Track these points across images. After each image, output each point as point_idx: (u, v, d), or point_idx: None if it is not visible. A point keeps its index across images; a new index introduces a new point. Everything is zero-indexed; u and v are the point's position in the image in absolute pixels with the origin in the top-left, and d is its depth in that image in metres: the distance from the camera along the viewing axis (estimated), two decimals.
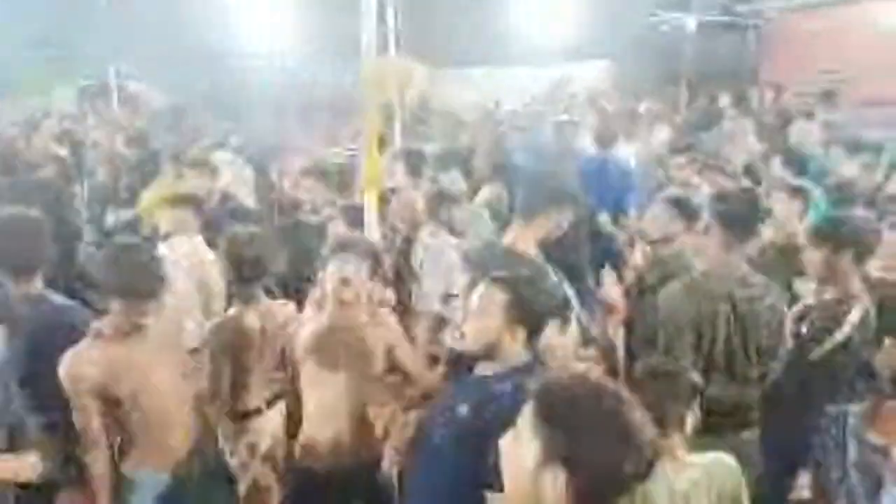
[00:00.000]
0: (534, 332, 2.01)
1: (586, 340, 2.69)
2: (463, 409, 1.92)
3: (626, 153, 6.02)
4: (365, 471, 2.54)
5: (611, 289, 4.74)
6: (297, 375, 2.59)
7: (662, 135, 7.32)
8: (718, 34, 11.52)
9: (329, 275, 2.48)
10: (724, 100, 9.62)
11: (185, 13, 10.26)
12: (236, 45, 10.87)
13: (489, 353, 1.98)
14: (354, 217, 3.43)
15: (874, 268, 2.94)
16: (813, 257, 2.72)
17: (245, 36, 11.01)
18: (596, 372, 2.48)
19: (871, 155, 5.46)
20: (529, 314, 1.97)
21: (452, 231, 3.69)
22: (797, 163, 4.95)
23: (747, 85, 10.17)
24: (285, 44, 10.75)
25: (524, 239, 2.64)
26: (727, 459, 1.97)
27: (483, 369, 2.01)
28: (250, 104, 9.05)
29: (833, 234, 2.68)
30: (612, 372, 3.07)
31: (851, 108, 7.77)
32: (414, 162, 4.57)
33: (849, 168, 5.13)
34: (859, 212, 3.44)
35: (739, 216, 2.52)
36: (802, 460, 2.82)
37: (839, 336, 2.57)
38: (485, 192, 4.94)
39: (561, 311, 2.37)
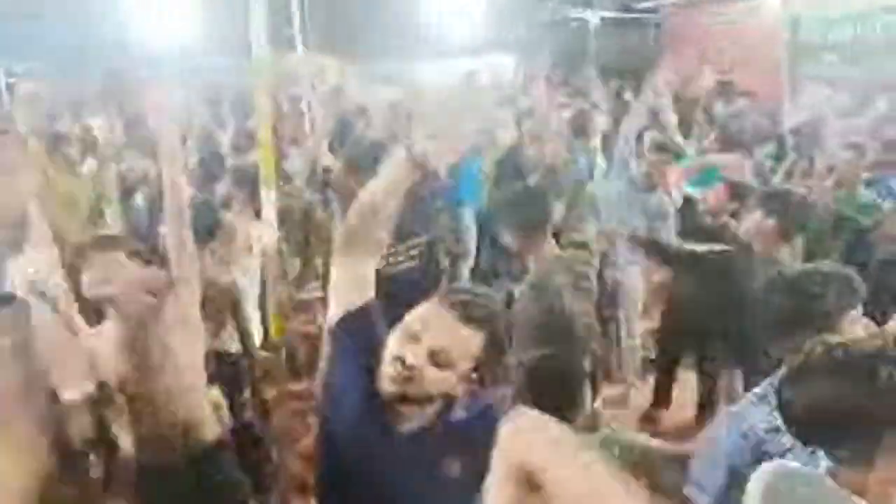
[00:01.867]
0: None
1: None
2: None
3: None
4: None
5: None
6: None
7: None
8: (621, 30, 11.92)
9: None
10: (628, 94, 9.98)
11: (80, 8, 9.73)
12: (135, 38, 10.35)
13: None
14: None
15: None
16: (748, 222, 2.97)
17: (144, 31, 10.49)
18: None
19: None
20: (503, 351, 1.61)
21: None
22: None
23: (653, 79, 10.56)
24: (185, 39, 10.33)
25: None
26: None
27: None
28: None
29: (767, 203, 2.95)
30: None
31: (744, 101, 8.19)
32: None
33: None
34: None
35: None
36: None
37: None
38: None
39: None
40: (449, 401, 1.59)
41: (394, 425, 1.58)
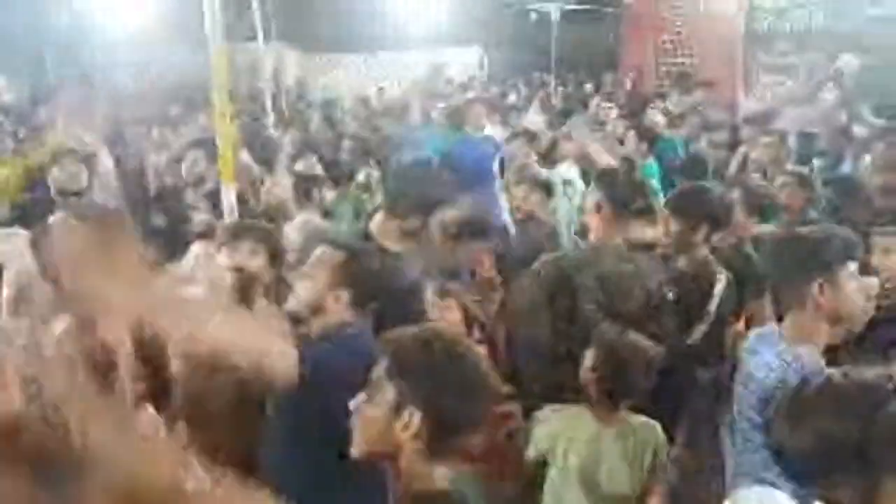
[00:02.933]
0: (359, 300, 1.99)
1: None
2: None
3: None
4: None
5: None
6: None
7: (539, 119, 7.58)
8: (582, 22, 12.02)
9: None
10: (589, 86, 10.13)
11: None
12: (88, 29, 10.10)
13: (314, 312, 1.97)
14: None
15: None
16: (671, 228, 2.81)
17: (97, 21, 10.24)
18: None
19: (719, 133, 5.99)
20: (357, 279, 1.97)
21: (326, 215, 3.74)
22: (648, 140, 5.31)
23: (610, 71, 10.71)
24: (141, 28, 10.11)
25: (385, 231, 2.59)
26: (652, 421, 2.16)
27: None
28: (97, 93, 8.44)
29: (687, 207, 2.81)
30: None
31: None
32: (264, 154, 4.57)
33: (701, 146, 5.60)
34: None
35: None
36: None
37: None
38: (360, 177, 4.95)
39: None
40: None
41: None
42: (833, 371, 1.29)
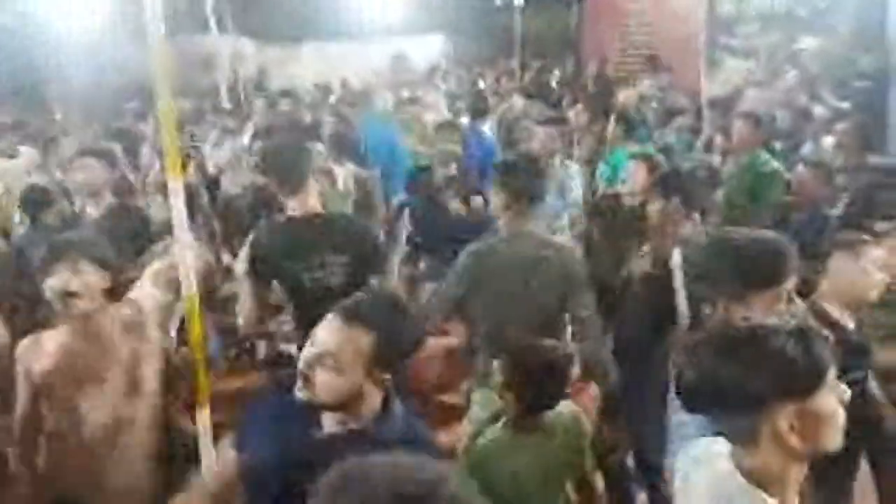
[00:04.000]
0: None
1: None
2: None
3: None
4: None
5: None
6: None
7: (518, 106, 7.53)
8: (545, 8, 11.96)
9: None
10: (556, 72, 10.09)
11: None
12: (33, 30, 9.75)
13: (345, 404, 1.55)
14: None
15: None
16: (655, 205, 2.94)
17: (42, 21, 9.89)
18: None
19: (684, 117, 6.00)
20: (393, 358, 1.56)
21: None
22: (628, 122, 5.28)
23: (573, 57, 10.69)
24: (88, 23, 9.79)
25: None
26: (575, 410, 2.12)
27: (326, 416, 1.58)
28: (35, 87, 8.15)
29: (667, 184, 2.93)
30: None
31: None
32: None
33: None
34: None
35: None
36: None
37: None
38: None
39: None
40: (385, 408, 1.58)
41: (313, 427, 1.57)
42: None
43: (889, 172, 4.30)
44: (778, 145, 5.23)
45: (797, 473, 1.25)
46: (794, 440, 1.20)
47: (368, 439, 1.50)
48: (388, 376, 1.55)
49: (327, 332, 1.52)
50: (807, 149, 5.24)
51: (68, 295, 2.02)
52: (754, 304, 1.80)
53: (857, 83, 5.84)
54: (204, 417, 2.40)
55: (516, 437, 2.04)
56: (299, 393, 1.51)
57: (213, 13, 5.91)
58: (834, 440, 1.23)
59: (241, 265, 2.68)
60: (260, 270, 2.63)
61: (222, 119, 5.70)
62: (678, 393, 1.33)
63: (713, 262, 1.96)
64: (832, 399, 1.22)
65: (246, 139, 5.54)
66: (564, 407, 2.08)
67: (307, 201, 2.66)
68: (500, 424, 2.08)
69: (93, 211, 3.53)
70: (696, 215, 3.03)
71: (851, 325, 2.29)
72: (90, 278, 2.06)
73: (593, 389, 2.67)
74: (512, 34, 10.78)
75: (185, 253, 2.39)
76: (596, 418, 2.59)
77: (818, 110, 5.68)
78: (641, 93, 7.43)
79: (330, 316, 1.55)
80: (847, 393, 1.25)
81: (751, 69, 7.52)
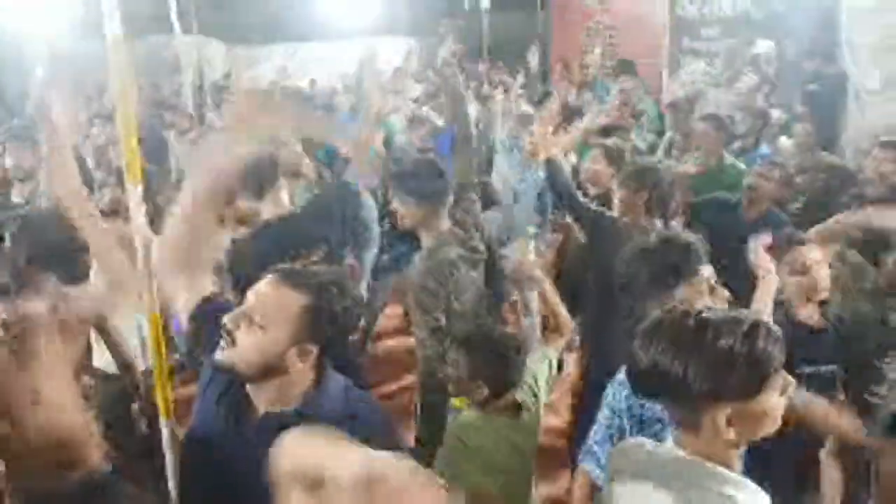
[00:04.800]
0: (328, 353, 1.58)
1: None
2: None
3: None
4: None
5: None
6: None
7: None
8: (512, 11, 12.05)
9: None
10: (521, 76, 10.15)
11: None
12: None
13: (266, 375, 1.51)
14: None
15: None
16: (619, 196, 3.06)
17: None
18: None
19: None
20: (327, 328, 1.52)
21: None
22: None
23: (541, 60, 10.77)
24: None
25: None
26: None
27: (257, 397, 1.55)
28: None
29: (636, 177, 3.03)
30: None
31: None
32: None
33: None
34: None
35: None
36: None
37: None
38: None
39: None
40: (317, 386, 1.55)
41: (248, 412, 1.55)
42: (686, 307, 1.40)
43: (842, 173, 4.44)
44: (736, 145, 5.36)
45: (736, 455, 1.32)
46: (731, 433, 1.25)
47: (302, 419, 1.43)
48: (314, 349, 1.51)
49: (259, 287, 1.52)
50: (764, 150, 5.38)
51: None
52: (677, 298, 1.88)
53: (811, 86, 6.00)
54: (165, 429, 2.39)
55: (486, 418, 2.13)
56: (220, 354, 1.48)
57: (178, 15, 5.85)
58: (771, 430, 1.29)
59: None
60: (237, 279, 2.63)
61: (184, 122, 5.65)
62: (629, 376, 1.39)
63: (631, 267, 2.05)
64: (773, 397, 1.26)
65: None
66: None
67: (279, 203, 2.67)
68: (470, 410, 2.18)
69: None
70: (658, 216, 3.11)
71: (816, 318, 2.39)
72: None
73: None
74: (480, 37, 10.85)
75: (145, 258, 2.37)
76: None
77: (775, 112, 5.84)
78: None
79: (267, 276, 1.54)
80: (792, 384, 1.30)
81: (710, 72, 7.68)
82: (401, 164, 3.19)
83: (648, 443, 1.45)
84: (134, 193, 2.44)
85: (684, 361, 1.23)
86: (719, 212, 3.72)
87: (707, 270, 1.96)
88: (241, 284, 2.54)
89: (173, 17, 5.67)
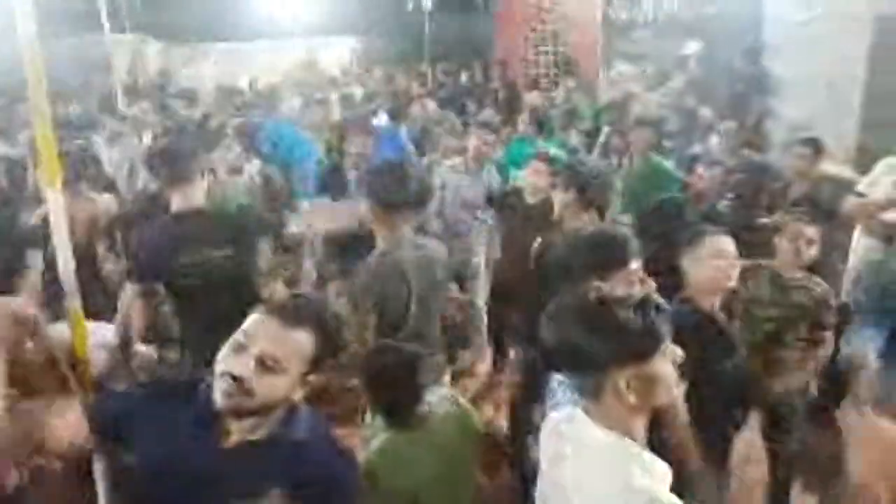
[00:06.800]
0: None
1: None
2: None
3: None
4: None
5: None
6: None
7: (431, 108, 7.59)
8: (455, 13, 12.15)
9: None
10: (464, 76, 10.27)
11: None
12: None
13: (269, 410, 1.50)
14: None
15: None
16: (557, 198, 3.07)
17: None
18: None
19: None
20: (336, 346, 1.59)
21: None
22: (539, 123, 5.47)
23: (482, 61, 10.89)
24: None
25: None
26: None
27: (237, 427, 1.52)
28: None
29: (571, 179, 3.02)
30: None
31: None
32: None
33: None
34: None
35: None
36: None
37: None
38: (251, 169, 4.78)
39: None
40: (290, 410, 1.55)
41: (218, 437, 1.51)
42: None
43: (768, 170, 4.63)
44: (668, 145, 5.53)
45: (639, 424, 1.44)
46: (631, 397, 1.38)
47: (275, 444, 1.49)
48: (312, 378, 1.53)
49: (265, 335, 1.47)
50: (696, 149, 5.56)
51: None
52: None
53: (737, 87, 6.22)
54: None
55: (400, 436, 2.07)
56: (225, 400, 1.43)
57: (107, 12, 5.69)
58: (666, 397, 1.44)
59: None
60: (143, 271, 2.57)
61: (116, 122, 5.50)
62: (540, 354, 1.50)
63: (568, 254, 2.12)
64: (666, 364, 1.42)
65: (147, 141, 5.40)
66: (445, 401, 2.18)
67: (191, 197, 2.63)
68: (382, 432, 2.10)
69: None
70: (593, 210, 3.18)
71: (722, 316, 2.47)
72: None
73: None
74: (422, 37, 10.90)
75: (68, 267, 2.29)
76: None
77: (704, 112, 6.04)
78: (548, 96, 7.69)
79: (259, 317, 1.50)
80: (678, 353, 1.44)
81: (642, 73, 7.90)
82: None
83: (562, 417, 1.56)
84: (53, 198, 2.37)
85: (588, 332, 1.39)
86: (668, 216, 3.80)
87: (637, 263, 2.02)
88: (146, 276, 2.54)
89: (103, 15, 5.52)
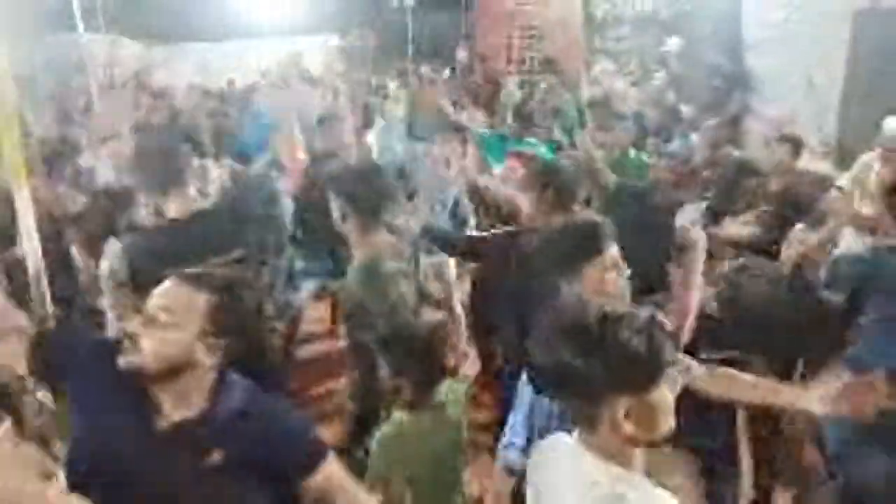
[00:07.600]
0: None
1: None
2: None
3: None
4: None
5: None
6: None
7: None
8: (436, 10, 12.10)
9: None
10: (446, 72, 10.25)
11: None
12: None
13: (174, 371, 1.50)
14: None
15: None
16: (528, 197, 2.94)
17: None
18: None
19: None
20: (234, 324, 1.54)
21: None
22: (523, 119, 5.46)
23: (466, 57, 10.87)
24: None
25: None
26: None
27: (165, 400, 1.53)
28: None
29: (541, 176, 2.95)
30: None
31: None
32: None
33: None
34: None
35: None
36: None
37: None
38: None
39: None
40: (219, 381, 1.55)
41: (153, 420, 1.51)
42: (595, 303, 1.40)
43: (746, 166, 4.64)
44: (650, 141, 5.53)
45: (637, 452, 1.31)
46: (628, 427, 1.25)
47: (212, 420, 1.51)
48: (221, 342, 1.52)
49: (162, 291, 1.54)
50: (675, 145, 5.56)
51: None
52: (584, 277, 1.95)
53: (716, 83, 6.24)
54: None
55: (412, 420, 2.12)
56: (123, 359, 1.48)
57: (81, 11, 5.60)
58: (665, 426, 1.30)
59: (107, 274, 2.53)
60: (140, 279, 2.51)
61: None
62: (529, 375, 1.39)
63: (540, 250, 2.10)
64: (665, 391, 1.29)
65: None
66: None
67: (186, 202, 2.56)
68: (397, 411, 2.16)
69: None
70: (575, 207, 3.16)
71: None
72: None
73: None
74: (405, 34, 10.85)
75: (37, 266, 2.24)
76: None
77: (685, 109, 6.04)
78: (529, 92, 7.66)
79: (165, 283, 1.56)
80: (678, 379, 1.36)
81: (623, 70, 7.91)
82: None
83: (560, 441, 1.46)
84: (21, 195, 2.32)
85: (587, 359, 1.24)
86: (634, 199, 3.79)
87: (613, 249, 2.00)
88: (140, 283, 2.48)
89: (77, 14, 5.43)
